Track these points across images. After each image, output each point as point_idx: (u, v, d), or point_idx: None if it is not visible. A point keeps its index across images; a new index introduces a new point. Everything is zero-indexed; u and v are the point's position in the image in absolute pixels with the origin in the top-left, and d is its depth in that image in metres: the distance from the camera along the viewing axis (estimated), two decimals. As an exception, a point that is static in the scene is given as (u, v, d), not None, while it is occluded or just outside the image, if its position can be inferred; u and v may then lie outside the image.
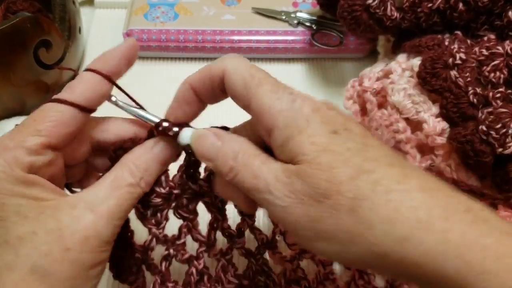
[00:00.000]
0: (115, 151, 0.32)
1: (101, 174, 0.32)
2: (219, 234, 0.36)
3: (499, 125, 0.36)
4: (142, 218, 0.33)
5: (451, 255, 0.23)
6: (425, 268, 0.23)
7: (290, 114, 0.26)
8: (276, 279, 0.36)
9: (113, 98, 0.32)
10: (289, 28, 0.60)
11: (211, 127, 0.32)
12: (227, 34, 0.59)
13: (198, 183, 0.33)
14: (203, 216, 0.35)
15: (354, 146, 0.26)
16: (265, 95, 0.27)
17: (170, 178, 0.33)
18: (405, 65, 0.44)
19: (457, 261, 0.23)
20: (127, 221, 0.33)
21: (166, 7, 0.62)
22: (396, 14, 0.46)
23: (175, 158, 0.32)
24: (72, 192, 0.34)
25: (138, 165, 0.30)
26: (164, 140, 0.31)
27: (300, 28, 0.60)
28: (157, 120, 0.31)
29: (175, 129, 0.31)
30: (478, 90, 0.39)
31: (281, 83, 0.28)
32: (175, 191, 0.33)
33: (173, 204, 0.33)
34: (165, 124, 0.31)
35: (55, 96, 0.30)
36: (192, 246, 0.35)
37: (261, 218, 0.39)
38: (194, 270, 0.34)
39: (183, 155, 0.33)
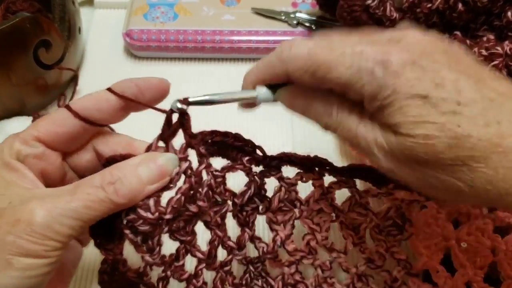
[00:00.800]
0: (105, 164, 0.30)
1: None
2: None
3: None
4: (133, 244, 0.30)
5: None
6: None
7: (375, 86, 0.26)
8: (273, 283, 0.36)
9: (178, 105, 0.30)
10: (288, 29, 0.60)
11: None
12: (227, 34, 0.59)
13: (196, 204, 0.32)
14: (202, 230, 0.34)
15: (447, 108, 0.25)
16: (343, 74, 0.27)
17: (164, 203, 0.30)
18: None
19: None
20: (120, 251, 0.30)
21: (165, 7, 0.62)
22: (395, 15, 0.46)
23: (166, 184, 0.30)
24: None
25: (113, 172, 0.28)
26: (154, 160, 0.30)
27: (299, 29, 0.60)
28: (251, 94, 0.31)
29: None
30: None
31: (347, 45, 0.27)
32: (166, 217, 0.30)
33: (165, 229, 0.31)
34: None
35: (68, 103, 0.31)
36: (190, 261, 0.34)
37: (261, 225, 0.38)
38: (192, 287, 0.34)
39: (179, 183, 0.31)
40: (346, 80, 0.27)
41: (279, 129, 0.54)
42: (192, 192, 0.31)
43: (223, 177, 0.33)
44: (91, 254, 0.42)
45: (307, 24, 0.60)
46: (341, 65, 0.27)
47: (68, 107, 0.31)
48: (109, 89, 0.31)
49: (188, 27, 0.60)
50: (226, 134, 0.33)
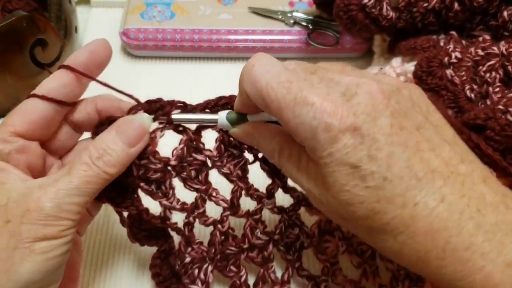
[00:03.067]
0: (96, 132, 0.33)
1: None
2: (247, 199, 0.36)
3: None
4: (149, 194, 0.34)
5: None
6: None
7: (314, 145, 0.27)
8: (309, 231, 0.37)
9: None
10: (285, 28, 0.60)
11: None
12: (224, 34, 0.59)
13: (203, 153, 0.35)
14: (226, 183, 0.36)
15: (372, 182, 0.26)
16: (290, 121, 0.28)
17: (170, 153, 0.34)
18: (399, 70, 0.44)
19: None
20: (139, 202, 0.34)
21: (162, 6, 0.62)
22: (391, 14, 0.46)
23: (147, 140, 0.33)
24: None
25: (97, 146, 0.31)
26: (128, 125, 0.32)
27: (296, 28, 0.60)
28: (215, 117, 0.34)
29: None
30: (475, 87, 0.39)
31: (301, 96, 0.27)
32: (172, 163, 0.34)
33: (174, 174, 0.34)
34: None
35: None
36: (217, 210, 0.36)
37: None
38: (218, 232, 0.36)
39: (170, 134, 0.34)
40: (291, 127, 0.28)
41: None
42: (196, 144, 0.34)
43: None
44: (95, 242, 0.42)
45: (304, 24, 0.60)
46: (291, 111, 0.27)
47: (34, 95, 0.32)
48: (64, 66, 0.33)
49: (185, 26, 0.60)
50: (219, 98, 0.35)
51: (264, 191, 0.36)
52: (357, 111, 0.26)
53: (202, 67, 0.60)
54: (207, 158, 0.35)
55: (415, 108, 0.28)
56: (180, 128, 0.34)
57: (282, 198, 0.37)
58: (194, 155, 0.34)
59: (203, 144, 0.35)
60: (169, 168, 0.34)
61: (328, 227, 0.37)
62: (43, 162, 0.34)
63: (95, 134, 0.33)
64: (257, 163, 0.36)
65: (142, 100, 0.34)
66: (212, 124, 0.34)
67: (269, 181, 0.36)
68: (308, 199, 0.36)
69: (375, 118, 0.26)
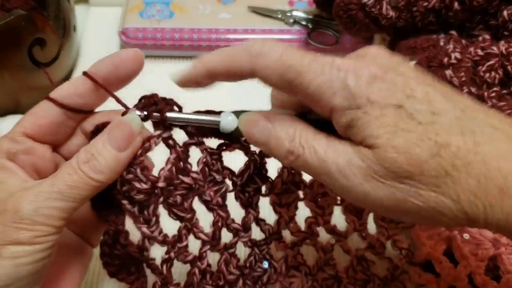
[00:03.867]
0: (91, 137, 0.31)
1: None
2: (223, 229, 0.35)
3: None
4: (131, 216, 0.31)
5: None
6: (505, 230, 0.25)
7: (347, 95, 0.25)
8: (276, 266, 0.36)
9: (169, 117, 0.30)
10: (285, 27, 0.60)
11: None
12: (223, 33, 0.59)
13: (190, 176, 0.32)
14: (204, 212, 0.34)
15: (423, 119, 0.25)
16: (312, 80, 0.26)
17: (156, 172, 0.31)
18: (400, 69, 0.44)
19: None
20: (122, 221, 0.31)
21: (161, 5, 0.62)
22: (391, 13, 0.46)
23: (142, 146, 0.30)
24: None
25: (87, 149, 0.29)
26: (116, 127, 0.29)
27: (296, 27, 0.60)
28: (217, 119, 0.30)
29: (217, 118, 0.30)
30: (473, 89, 0.39)
31: (319, 56, 0.26)
32: (160, 184, 0.30)
33: (161, 200, 0.31)
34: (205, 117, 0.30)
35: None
36: (194, 243, 0.34)
37: (266, 208, 0.39)
38: (197, 270, 0.34)
39: (161, 147, 0.31)
40: (315, 88, 0.26)
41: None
42: (183, 164, 0.31)
43: (219, 155, 0.33)
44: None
45: (304, 23, 0.60)
46: (313, 71, 0.26)
47: (48, 98, 0.30)
48: (84, 73, 0.31)
49: (184, 25, 0.59)
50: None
51: (239, 222, 0.35)
52: (376, 62, 0.26)
53: (201, 66, 0.60)
54: (194, 182, 0.32)
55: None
56: (170, 141, 0.31)
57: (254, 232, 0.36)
58: (181, 177, 0.31)
59: (190, 165, 0.32)
60: (156, 191, 0.30)
61: (294, 263, 0.37)
62: (53, 166, 0.32)
63: (90, 140, 0.31)
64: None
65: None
66: (213, 127, 0.31)
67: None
68: (277, 234, 0.36)
69: (395, 67, 0.26)
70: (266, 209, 0.37)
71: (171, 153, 0.31)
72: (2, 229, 0.26)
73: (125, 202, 0.30)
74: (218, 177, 0.33)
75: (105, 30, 0.63)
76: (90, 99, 0.31)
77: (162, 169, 0.31)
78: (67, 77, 0.57)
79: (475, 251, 0.35)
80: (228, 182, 0.34)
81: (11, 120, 0.52)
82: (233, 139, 0.32)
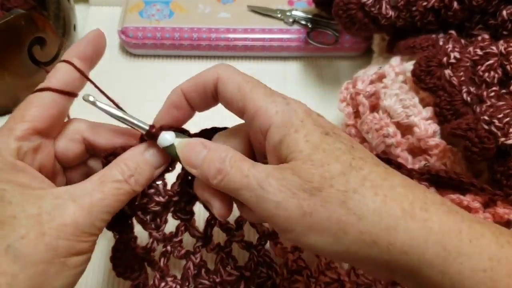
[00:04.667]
0: (106, 157, 0.32)
1: None
2: (217, 231, 0.36)
3: (501, 115, 0.36)
4: (142, 223, 0.34)
5: (432, 241, 0.26)
6: (410, 256, 0.26)
7: (286, 115, 0.28)
8: (278, 270, 0.37)
9: (91, 98, 0.31)
10: (284, 27, 0.60)
11: (201, 130, 0.33)
12: (222, 32, 0.59)
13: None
14: (203, 213, 0.36)
15: (343, 147, 0.28)
16: (260, 98, 0.29)
17: (169, 186, 0.34)
18: (399, 69, 0.44)
19: (437, 247, 0.26)
20: (131, 228, 0.34)
21: (161, 4, 0.62)
22: (391, 13, 0.46)
23: (168, 165, 0.33)
24: None
25: (128, 164, 0.31)
26: (155, 145, 0.32)
27: (295, 27, 0.60)
28: (137, 122, 0.32)
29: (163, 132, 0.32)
30: (472, 89, 0.39)
31: (272, 89, 0.30)
32: (174, 199, 0.34)
33: (172, 209, 0.35)
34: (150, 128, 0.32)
35: (37, 87, 0.32)
36: (190, 243, 0.36)
37: None
38: (191, 264, 0.36)
39: (180, 165, 0.33)
40: (262, 104, 0.29)
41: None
42: (189, 177, 0.34)
43: None
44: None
45: (303, 22, 0.60)
46: (263, 94, 0.30)
47: (49, 88, 0.31)
48: (64, 61, 0.33)
49: (184, 24, 0.60)
50: (215, 129, 0.34)
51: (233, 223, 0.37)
52: (296, 105, 0.30)
53: (201, 65, 0.60)
54: None
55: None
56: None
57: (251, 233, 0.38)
58: (188, 189, 0.34)
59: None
60: (171, 203, 0.34)
61: (295, 267, 0.37)
62: (53, 165, 0.33)
63: (106, 161, 0.32)
64: None
65: (137, 97, 0.34)
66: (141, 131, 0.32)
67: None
68: (273, 234, 0.37)
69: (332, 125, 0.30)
70: None
71: (182, 169, 0.34)
72: (66, 242, 0.27)
73: (139, 213, 0.33)
74: None
75: (105, 30, 0.61)
76: (76, 84, 0.33)
77: (175, 183, 0.34)
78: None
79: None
80: None
81: (11, 119, 0.52)
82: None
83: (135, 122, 0.32)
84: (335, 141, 0.28)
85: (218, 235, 0.37)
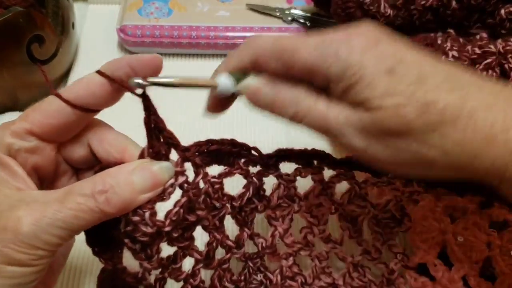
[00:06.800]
0: (97, 172, 0.30)
1: None
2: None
3: None
4: (132, 252, 0.30)
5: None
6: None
7: (341, 65, 0.27)
8: (272, 277, 0.36)
9: (139, 80, 0.28)
10: (283, 25, 0.60)
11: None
12: (221, 31, 0.59)
13: (195, 213, 0.32)
14: (201, 231, 0.34)
15: (413, 80, 0.27)
16: (307, 58, 0.28)
17: (164, 213, 0.30)
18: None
19: None
20: (120, 260, 0.31)
21: (160, 2, 0.62)
22: (389, 11, 0.46)
23: (160, 193, 0.29)
24: None
25: (105, 179, 0.27)
26: (147, 168, 0.29)
27: (294, 25, 0.60)
28: (202, 82, 0.30)
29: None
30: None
31: (310, 35, 0.29)
32: (166, 229, 0.30)
33: (165, 238, 0.31)
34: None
35: (56, 91, 0.29)
36: (188, 261, 0.34)
37: (259, 219, 0.39)
38: (189, 286, 0.34)
39: (175, 195, 0.30)
40: (312, 63, 0.28)
41: (272, 124, 0.54)
42: (190, 203, 0.31)
43: (221, 183, 0.33)
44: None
45: (302, 21, 0.60)
46: (305, 49, 0.28)
47: (59, 96, 0.29)
48: (99, 72, 0.29)
49: (183, 22, 0.59)
50: (221, 142, 0.33)
51: (233, 239, 0.35)
52: (366, 34, 0.28)
53: (200, 64, 0.60)
54: (197, 218, 0.32)
55: None
56: (185, 185, 0.31)
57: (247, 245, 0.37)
58: (186, 216, 0.31)
59: (199, 203, 0.32)
60: (162, 234, 0.30)
61: (290, 273, 0.37)
62: (54, 166, 0.31)
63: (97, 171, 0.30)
64: None
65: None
66: (211, 88, 0.30)
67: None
68: (271, 247, 0.36)
69: (384, 39, 0.28)
70: (259, 222, 0.37)
71: (182, 196, 0.31)
72: (1, 248, 0.25)
73: (127, 241, 0.29)
74: (218, 205, 0.33)
75: (104, 28, 0.62)
76: (103, 100, 0.30)
77: (170, 211, 0.30)
78: (65, 74, 0.57)
79: (469, 253, 0.35)
80: (227, 205, 0.34)
81: (9, 117, 0.51)
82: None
83: (200, 83, 0.30)
84: (402, 76, 0.27)
85: (218, 252, 0.36)
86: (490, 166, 0.26)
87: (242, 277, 0.36)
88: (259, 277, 0.36)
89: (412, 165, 0.28)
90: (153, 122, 0.29)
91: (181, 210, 0.30)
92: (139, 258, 0.30)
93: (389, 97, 0.26)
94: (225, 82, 0.30)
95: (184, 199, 0.30)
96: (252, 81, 0.30)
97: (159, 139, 0.30)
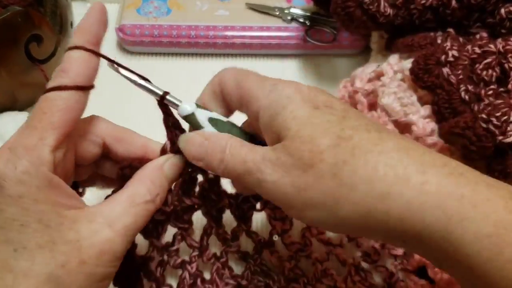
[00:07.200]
0: (122, 169, 0.32)
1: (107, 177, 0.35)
2: (214, 240, 0.36)
3: (499, 113, 0.36)
4: (144, 232, 0.34)
5: (430, 206, 0.24)
6: (407, 222, 0.25)
7: (274, 95, 0.28)
8: (275, 278, 0.37)
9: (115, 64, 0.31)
10: (282, 24, 0.60)
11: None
12: (220, 30, 0.59)
13: (191, 199, 0.35)
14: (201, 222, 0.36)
15: (333, 118, 0.27)
16: (252, 84, 0.30)
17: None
18: (397, 67, 0.44)
19: (436, 211, 0.24)
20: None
21: (158, 1, 0.62)
22: (389, 11, 0.46)
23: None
24: (77, 191, 0.33)
25: (154, 181, 0.31)
26: (173, 159, 0.32)
27: (293, 24, 0.60)
28: (160, 92, 0.32)
29: (178, 102, 0.32)
30: (470, 87, 0.39)
31: (264, 76, 0.31)
32: (178, 208, 0.34)
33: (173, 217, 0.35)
34: (169, 97, 0.32)
35: (53, 84, 0.28)
36: (187, 253, 0.36)
37: (259, 222, 0.39)
38: (186, 274, 0.36)
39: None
40: (252, 91, 0.30)
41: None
42: (187, 188, 0.34)
43: (217, 180, 0.35)
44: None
45: (301, 20, 0.60)
46: (252, 83, 0.30)
47: (66, 87, 0.28)
48: (77, 47, 0.31)
49: (182, 22, 0.59)
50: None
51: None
52: (310, 89, 0.30)
53: (199, 63, 0.60)
54: (192, 203, 0.35)
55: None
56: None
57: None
58: (184, 198, 0.35)
59: (194, 191, 0.35)
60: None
61: (292, 275, 0.37)
62: (72, 171, 0.31)
63: (122, 173, 0.32)
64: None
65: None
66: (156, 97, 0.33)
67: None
68: (269, 243, 0.37)
69: (322, 92, 0.30)
70: (259, 223, 0.37)
71: (181, 179, 0.34)
72: (105, 270, 0.28)
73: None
74: (215, 198, 0.35)
75: None
76: (92, 73, 0.31)
77: (173, 192, 0.34)
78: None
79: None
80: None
81: (8, 117, 0.51)
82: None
83: (153, 89, 0.33)
84: (324, 114, 0.27)
85: (215, 245, 0.37)
86: (403, 209, 0.25)
87: (245, 275, 0.37)
88: (262, 278, 0.37)
89: (318, 203, 0.27)
90: (171, 122, 0.32)
91: (180, 191, 0.34)
92: (150, 236, 0.34)
93: (307, 127, 0.27)
94: (185, 109, 0.32)
95: (182, 181, 0.34)
96: (187, 135, 0.32)
97: (176, 135, 0.33)
